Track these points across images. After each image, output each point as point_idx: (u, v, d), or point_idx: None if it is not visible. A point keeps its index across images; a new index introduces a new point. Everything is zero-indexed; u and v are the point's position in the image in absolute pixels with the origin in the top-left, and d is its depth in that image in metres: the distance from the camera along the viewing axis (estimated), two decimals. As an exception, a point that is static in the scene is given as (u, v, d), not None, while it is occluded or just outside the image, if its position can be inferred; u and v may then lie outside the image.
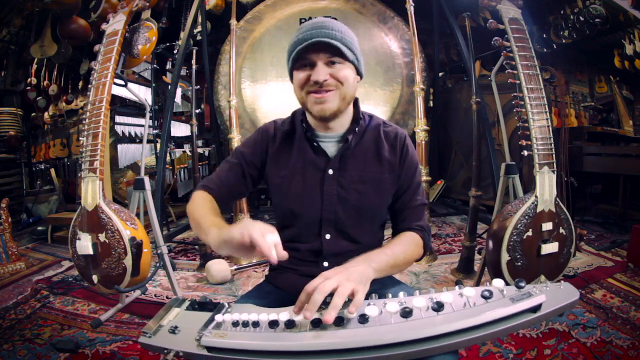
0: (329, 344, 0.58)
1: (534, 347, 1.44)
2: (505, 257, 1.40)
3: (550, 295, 0.62)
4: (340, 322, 0.61)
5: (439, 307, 0.60)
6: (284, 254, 0.67)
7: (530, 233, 1.41)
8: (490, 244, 1.47)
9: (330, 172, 0.91)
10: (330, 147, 0.94)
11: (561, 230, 1.45)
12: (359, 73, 0.91)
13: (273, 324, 0.63)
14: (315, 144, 0.93)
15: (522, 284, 0.64)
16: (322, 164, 0.93)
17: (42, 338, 1.64)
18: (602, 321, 1.60)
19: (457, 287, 0.66)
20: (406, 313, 0.60)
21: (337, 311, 0.61)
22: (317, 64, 0.84)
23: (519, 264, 1.41)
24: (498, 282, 0.65)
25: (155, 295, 2.12)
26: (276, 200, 0.98)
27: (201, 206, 0.90)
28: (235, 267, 2.41)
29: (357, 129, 0.94)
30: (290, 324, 0.62)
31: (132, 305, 1.95)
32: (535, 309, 0.60)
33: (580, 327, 1.55)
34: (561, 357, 1.38)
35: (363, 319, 0.61)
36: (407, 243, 0.90)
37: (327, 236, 0.91)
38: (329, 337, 0.59)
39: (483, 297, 0.62)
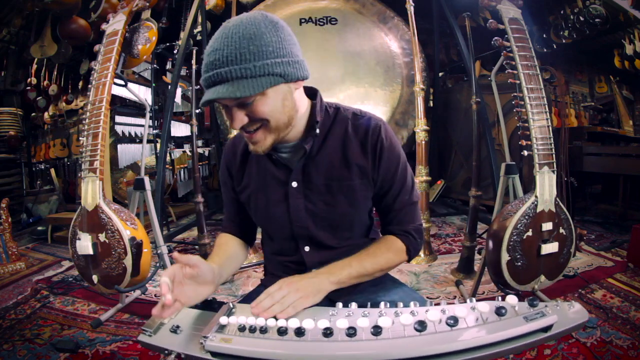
0: (342, 356, 0.56)
1: (534, 347, 1.44)
2: (505, 257, 1.40)
3: (561, 315, 0.62)
4: (352, 332, 0.59)
5: (453, 322, 0.60)
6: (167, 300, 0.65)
7: (530, 233, 1.41)
8: (490, 244, 1.47)
9: (294, 184, 0.83)
10: (292, 158, 0.85)
11: (561, 230, 1.45)
12: (291, 78, 0.72)
13: (282, 331, 0.61)
14: (273, 156, 0.84)
15: (536, 302, 0.63)
16: (284, 177, 0.84)
17: (42, 338, 1.64)
18: (602, 321, 1.60)
19: (468, 301, 0.65)
20: (421, 326, 0.59)
21: (271, 315, 0.66)
22: (231, 108, 0.71)
23: (519, 264, 1.41)
24: (512, 299, 0.64)
25: (155, 295, 2.12)
26: (254, 218, 0.94)
27: (214, 249, 0.94)
28: (235, 267, 2.40)
29: (313, 134, 0.81)
30: (299, 332, 0.60)
31: (132, 305, 1.95)
32: (547, 328, 0.60)
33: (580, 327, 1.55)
34: (561, 357, 1.38)
35: (376, 330, 0.59)
36: (382, 251, 0.84)
37: (306, 248, 0.88)
38: (341, 349, 0.57)
39: (497, 314, 0.62)
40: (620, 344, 1.43)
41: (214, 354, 0.59)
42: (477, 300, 0.65)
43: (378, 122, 0.84)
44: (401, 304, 0.65)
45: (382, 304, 0.66)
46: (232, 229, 0.98)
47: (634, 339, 1.46)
